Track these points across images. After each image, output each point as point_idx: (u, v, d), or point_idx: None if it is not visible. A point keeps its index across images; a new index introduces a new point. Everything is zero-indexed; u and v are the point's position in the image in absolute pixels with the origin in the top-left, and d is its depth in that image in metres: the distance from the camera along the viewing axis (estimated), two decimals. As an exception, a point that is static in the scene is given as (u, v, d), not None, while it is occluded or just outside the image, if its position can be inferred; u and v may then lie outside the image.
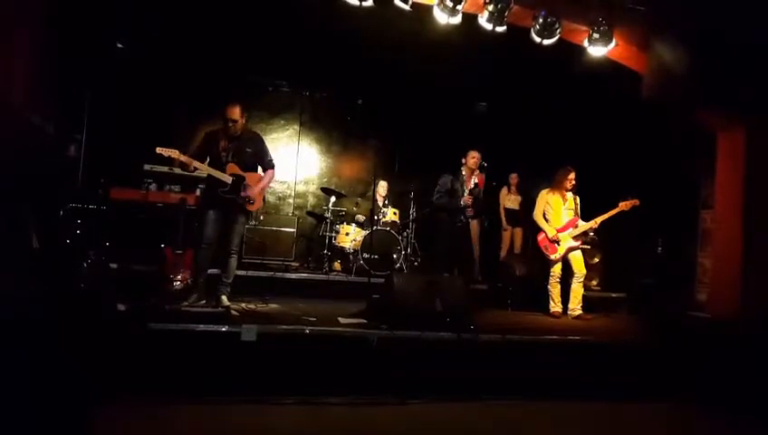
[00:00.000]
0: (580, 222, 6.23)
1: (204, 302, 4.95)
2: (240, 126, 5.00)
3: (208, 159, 4.96)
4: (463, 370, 4.43)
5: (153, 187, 6.50)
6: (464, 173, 6.41)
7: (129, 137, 6.68)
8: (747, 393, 4.30)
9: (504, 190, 8.37)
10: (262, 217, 5.18)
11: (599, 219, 6.14)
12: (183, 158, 4.70)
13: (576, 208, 6.27)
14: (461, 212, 6.30)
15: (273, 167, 5.25)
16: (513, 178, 8.40)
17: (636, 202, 6.02)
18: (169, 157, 4.68)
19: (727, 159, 5.82)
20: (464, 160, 7.33)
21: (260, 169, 5.21)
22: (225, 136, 4.99)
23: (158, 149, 4.66)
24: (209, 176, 4.92)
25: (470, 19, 5.45)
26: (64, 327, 3.41)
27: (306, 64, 8.06)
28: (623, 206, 6.03)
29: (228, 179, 4.90)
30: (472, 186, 6.33)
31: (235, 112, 4.92)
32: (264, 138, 5.29)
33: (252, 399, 3.78)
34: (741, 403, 4.27)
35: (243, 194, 4.94)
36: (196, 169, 4.80)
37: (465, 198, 6.25)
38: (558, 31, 5.36)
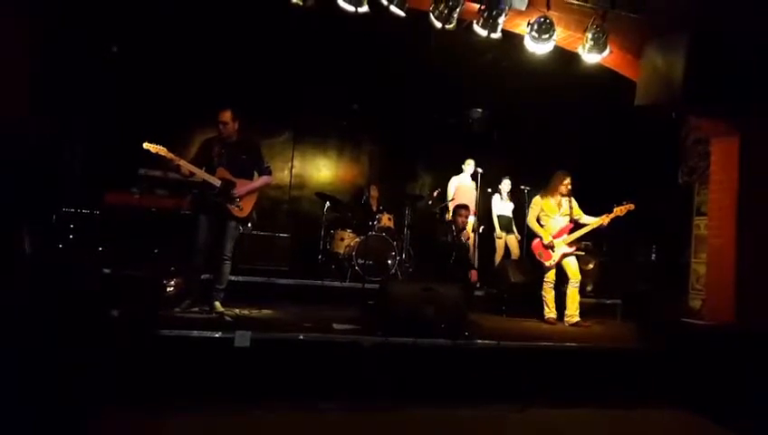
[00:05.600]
0: (586, 218, 6.21)
1: (197, 308, 4.93)
2: (232, 130, 4.99)
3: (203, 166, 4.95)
4: (458, 376, 4.42)
5: (147, 192, 6.46)
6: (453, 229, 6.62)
7: (123, 141, 6.65)
8: (741, 400, 4.30)
9: (497, 197, 8.37)
10: (250, 225, 5.17)
11: (598, 222, 6.10)
12: (171, 156, 4.70)
13: (571, 213, 6.25)
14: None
15: (269, 174, 5.24)
16: (508, 184, 8.41)
17: (631, 206, 6.01)
18: (157, 153, 4.67)
19: (721, 165, 5.84)
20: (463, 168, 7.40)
21: (256, 177, 5.20)
22: (220, 142, 5.00)
23: (146, 145, 4.66)
24: (202, 180, 4.91)
25: (466, 25, 5.47)
26: (57, 333, 3.38)
27: (303, 68, 8.06)
28: (618, 211, 6.03)
29: (217, 182, 4.88)
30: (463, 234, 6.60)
31: (226, 115, 4.93)
32: (260, 145, 5.29)
33: (245, 405, 3.76)
34: (735, 410, 4.26)
35: (232, 193, 4.92)
36: (184, 169, 4.78)
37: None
38: (552, 38, 5.37)
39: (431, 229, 6.58)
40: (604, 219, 6.07)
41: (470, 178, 8.09)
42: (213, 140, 5.05)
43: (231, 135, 5.01)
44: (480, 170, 7.01)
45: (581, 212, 6.26)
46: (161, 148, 4.68)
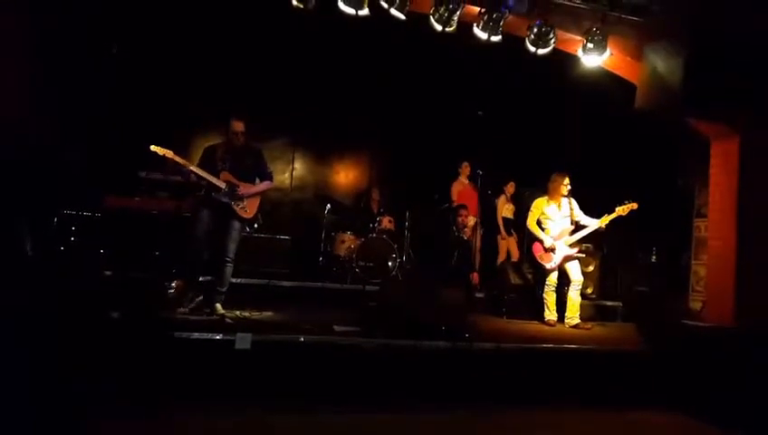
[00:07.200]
0: (586, 219, 6.20)
1: (197, 307, 4.94)
2: (243, 139, 5.04)
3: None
4: (458, 378, 4.42)
5: (148, 194, 6.47)
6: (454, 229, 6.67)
7: (124, 143, 6.66)
8: (742, 402, 4.30)
9: (502, 199, 8.38)
10: (256, 226, 5.19)
11: (599, 223, 6.09)
12: (177, 158, 4.75)
13: (572, 214, 6.24)
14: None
15: (271, 179, 5.31)
16: (510, 186, 8.42)
17: (633, 205, 5.99)
18: (164, 156, 4.71)
19: (721, 167, 5.83)
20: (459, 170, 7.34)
21: (258, 182, 5.22)
22: (225, 148, 5.06)
23: (153, 147, 4.72)
24: (207, 183, 4.93)
25: (466, 28, 5.48)
26: (58, 334, 3.39)
27: (304, 70, 8.08)
28: (620, 210, 6.02)
29: (222, 184, 4.92)
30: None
31: (241, 126, 5.00)
32: (262, 151, 5.32)
33: (246, 407, 3.76)
34: (734, 412, 4.26)
35: (237, 192, 4.93)
36: (190, 172, 4.81)
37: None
38: (552, 41, 5.38)
39: (432, 230, 6.57)
40: (605, 220, 6.07)
41: (467, 181, 8.10)
42: (217, 147, 5.12)
43: (241, 144, 5.05)
44: (480, 172, 7.01)
45: (581, 213, 6.25)
46: (168, 151, 4.73)
